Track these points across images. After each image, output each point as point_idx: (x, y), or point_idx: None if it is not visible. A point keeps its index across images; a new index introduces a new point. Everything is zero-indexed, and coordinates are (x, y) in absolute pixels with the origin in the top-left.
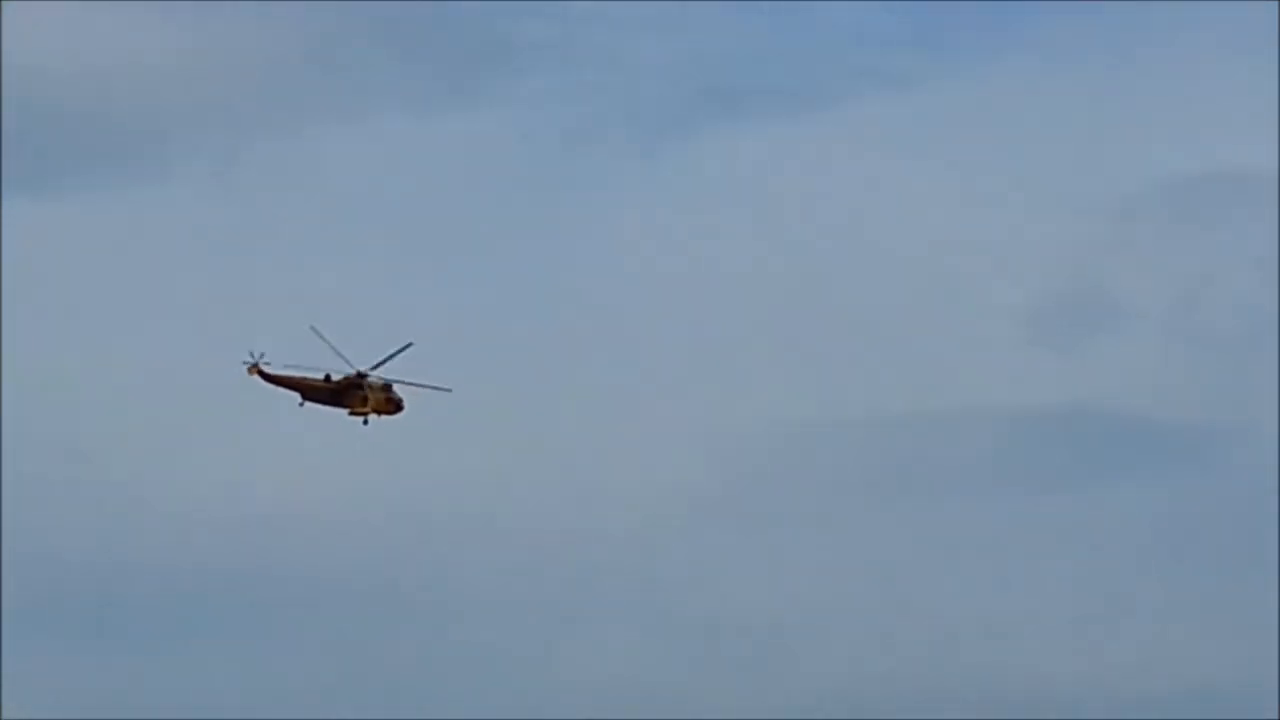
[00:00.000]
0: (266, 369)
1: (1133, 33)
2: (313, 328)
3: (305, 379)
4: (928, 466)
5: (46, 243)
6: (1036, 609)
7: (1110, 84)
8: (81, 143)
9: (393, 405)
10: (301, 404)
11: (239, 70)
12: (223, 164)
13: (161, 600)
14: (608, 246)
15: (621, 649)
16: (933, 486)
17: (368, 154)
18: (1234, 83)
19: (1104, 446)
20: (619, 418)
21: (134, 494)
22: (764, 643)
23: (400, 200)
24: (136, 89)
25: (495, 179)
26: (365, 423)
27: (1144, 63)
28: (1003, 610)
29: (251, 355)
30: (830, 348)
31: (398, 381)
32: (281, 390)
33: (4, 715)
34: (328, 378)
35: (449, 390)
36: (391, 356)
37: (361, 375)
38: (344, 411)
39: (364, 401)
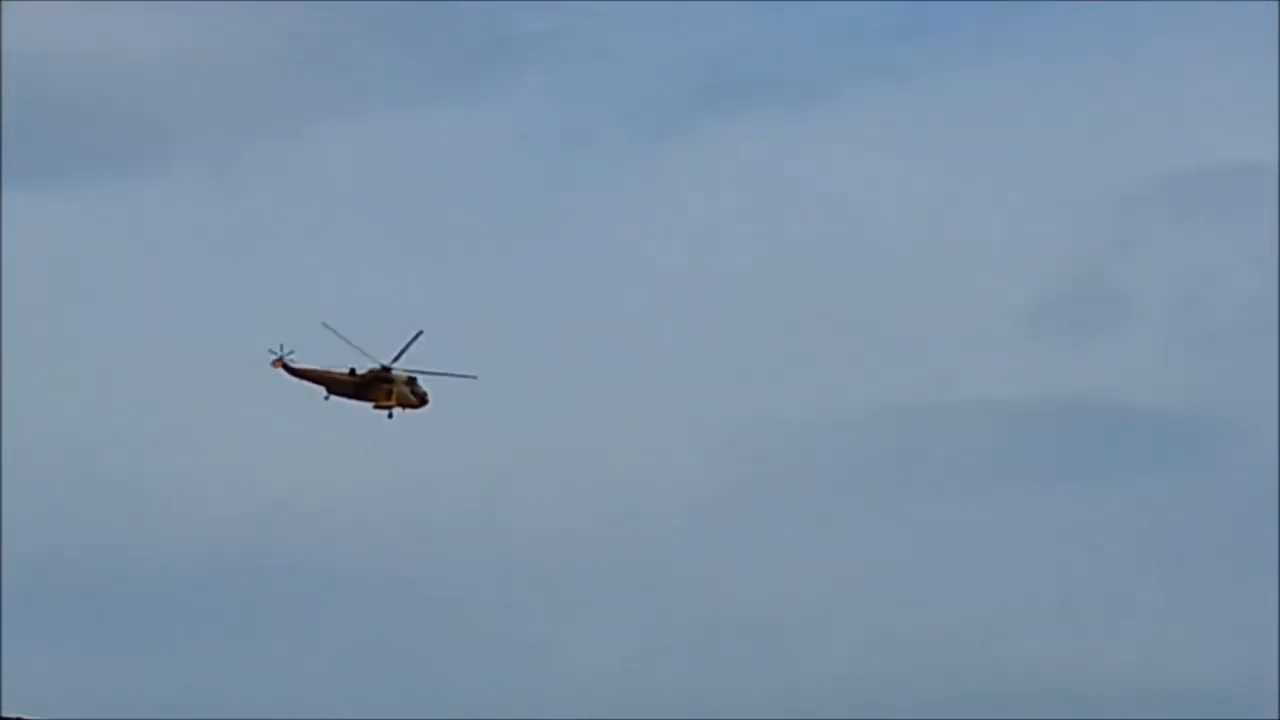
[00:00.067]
0: (292, 362)
1: (1134, 29)
2: (325, 324)
3: (330, 373)
4: (929, 463)
5: (46, 239)
6: (1037, 604)
7: (1112, 80)
8: (81, 139)
9: (417, 399)
10: (326, 398)
11: (239, 67)
12: (222, 160)
13: (162, 598)
14: (607, 243)
15: (621, 647)
16: (934, 483)
17: (367, 151)
18: (1235, 78)
19: (1106, 442)
20: (618, 415)
21: (134, 489)
22: (764, 642)
23: (400, 197)
24: (136, 85)
25: (494, 176)
26: (390, 416)
27: (1145, 59)
28: (1003, 606)
29: (276, 350)
30: (832, 344)
31: (420, 372)
32: (278, 387)
33: (4, 713)
34: (352, 371)
35: (474, 377)
36: (406, 348)
37: (386, 369)
38: (368, 405)
39: (389, 395)
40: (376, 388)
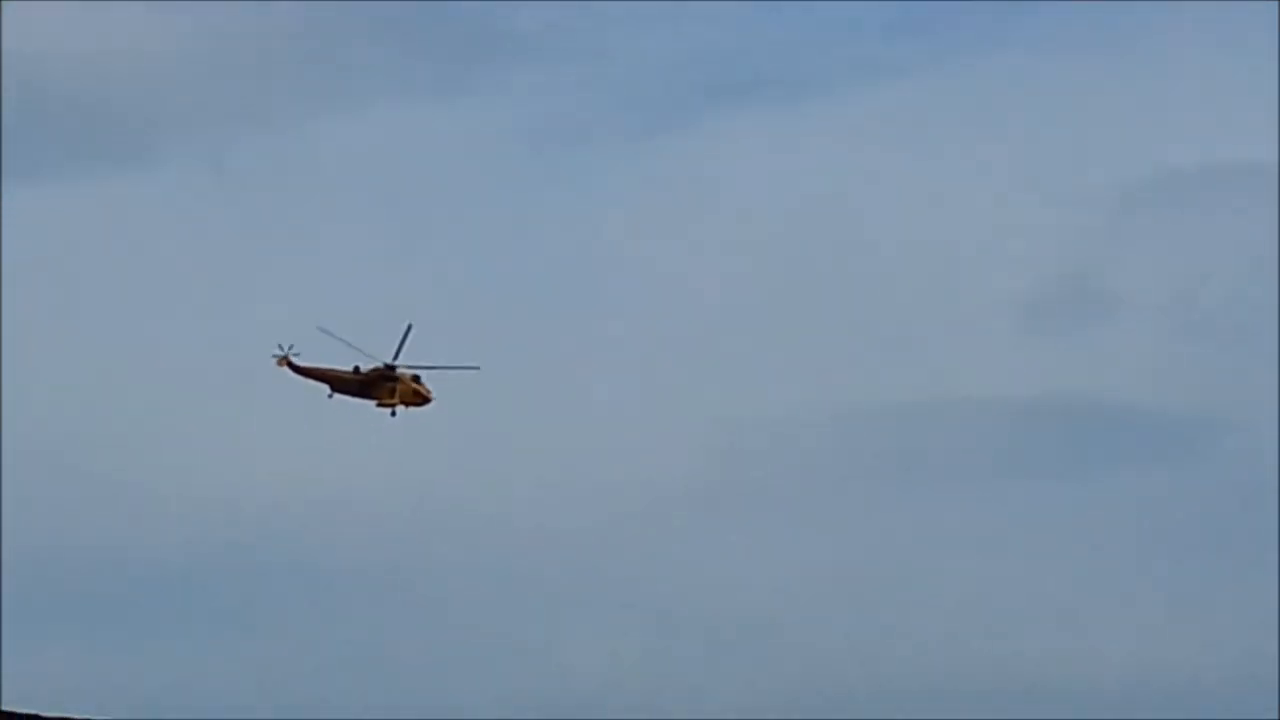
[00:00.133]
0: (296, 361)
1: (1132, 24)
2: (321, 328)
3: (334, 371)
4: (925, 458)
5: (46, 238)
6: (1035, 600)
7: (1111, 77)
8: (81, 138)
9: (420, 397)
10: (330, 396)
11: (238, 66)
12: (219, 156)
13: (163, 595)
14: (606, 241)
15: (621, 646)
16: (930, 478)
17: (363, 146)
18: (1233, 75)
19: (1102, 437)
20: (617, 413)
21: (134, 485)
22: (764, 642)
23: (399, 194)
24: (136, 84)
25: (492, 173)
26: (393, 414)
27: (1143, 54)
28: (1003, 603)
29: (281, 348)
30: (827, 340)
31: (424, 368)
32: (279, 385)
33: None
34: (356, 369)
35: (477, 368)
36: (402, 345)
37: (391, 367)
38: (372, 403)
39: (392, 393)
40: (380, 386)
